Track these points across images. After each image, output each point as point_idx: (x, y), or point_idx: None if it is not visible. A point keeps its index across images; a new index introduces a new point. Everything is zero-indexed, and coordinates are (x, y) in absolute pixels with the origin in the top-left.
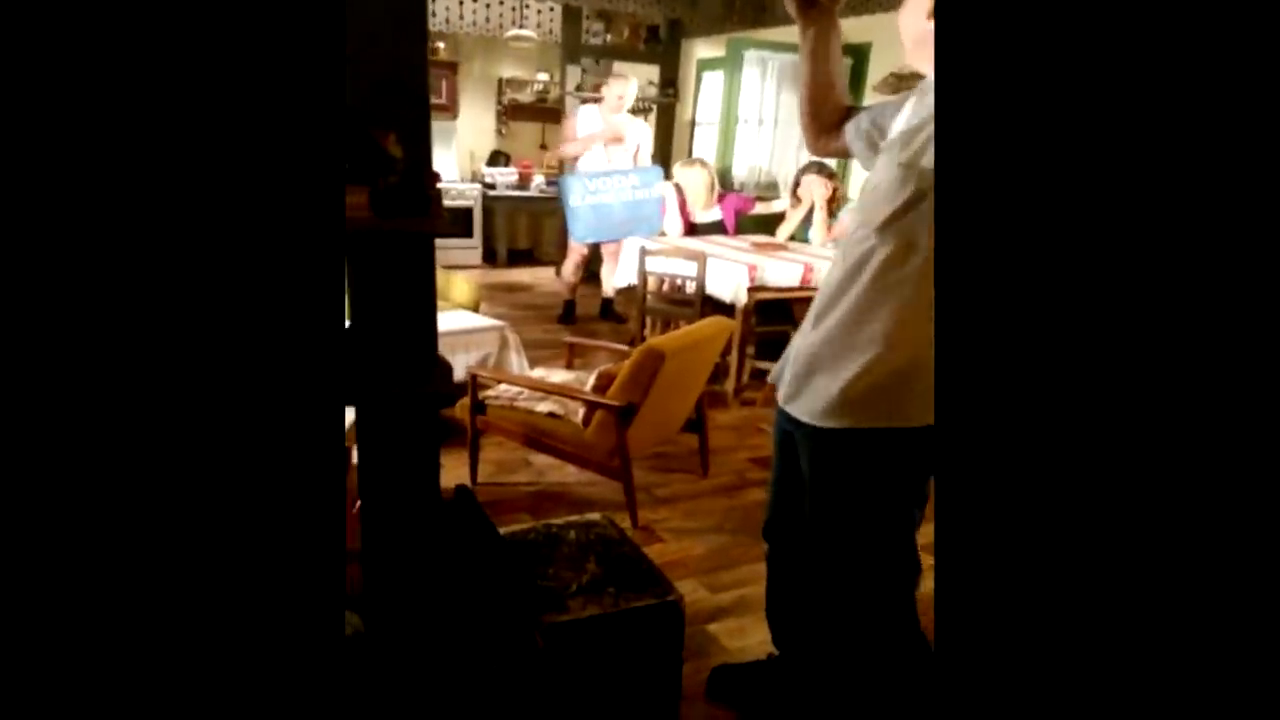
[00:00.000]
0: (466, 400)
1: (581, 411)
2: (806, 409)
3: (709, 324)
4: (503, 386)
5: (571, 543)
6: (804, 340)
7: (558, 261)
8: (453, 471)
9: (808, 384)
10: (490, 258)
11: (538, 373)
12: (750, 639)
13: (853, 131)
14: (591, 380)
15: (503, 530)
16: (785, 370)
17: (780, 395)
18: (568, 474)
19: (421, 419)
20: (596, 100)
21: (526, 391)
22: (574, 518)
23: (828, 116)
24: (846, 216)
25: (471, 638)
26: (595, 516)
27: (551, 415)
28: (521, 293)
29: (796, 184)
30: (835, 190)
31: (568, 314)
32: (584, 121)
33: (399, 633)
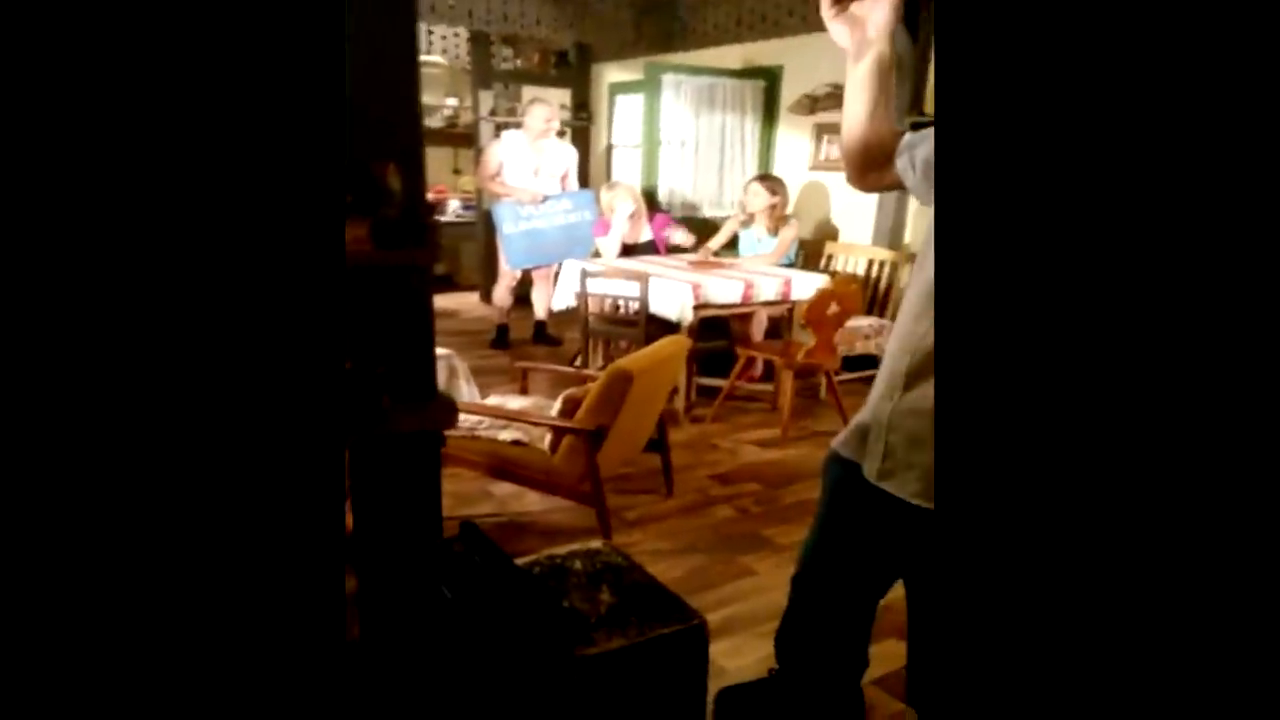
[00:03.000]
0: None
1: (549, 437)
2: (917, 489)
3: (668, 343)
4: (461, 416)
5: (580, 573)
6: (896, 405)
7: (480, 286)
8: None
9: (912, 456)
10: None
11: (493, 400)
12: (747, 657)
13: (905, 163)
14: (558, 405)
15: None
16: (874, 441)
17: (871, 470)
18: (530, 502)
19: (425, 453)
20: (516, 125)
21: (487, 420)
22: (575, 547)
23: (880, 151)
24: (790, 233)
25: (504, 676)
26: (597, 544)
27: (516, 443)
28: (448, 319)
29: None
30: (776, 203)
31: (501, 339)
32: (506, 149)
33: (409, 680)
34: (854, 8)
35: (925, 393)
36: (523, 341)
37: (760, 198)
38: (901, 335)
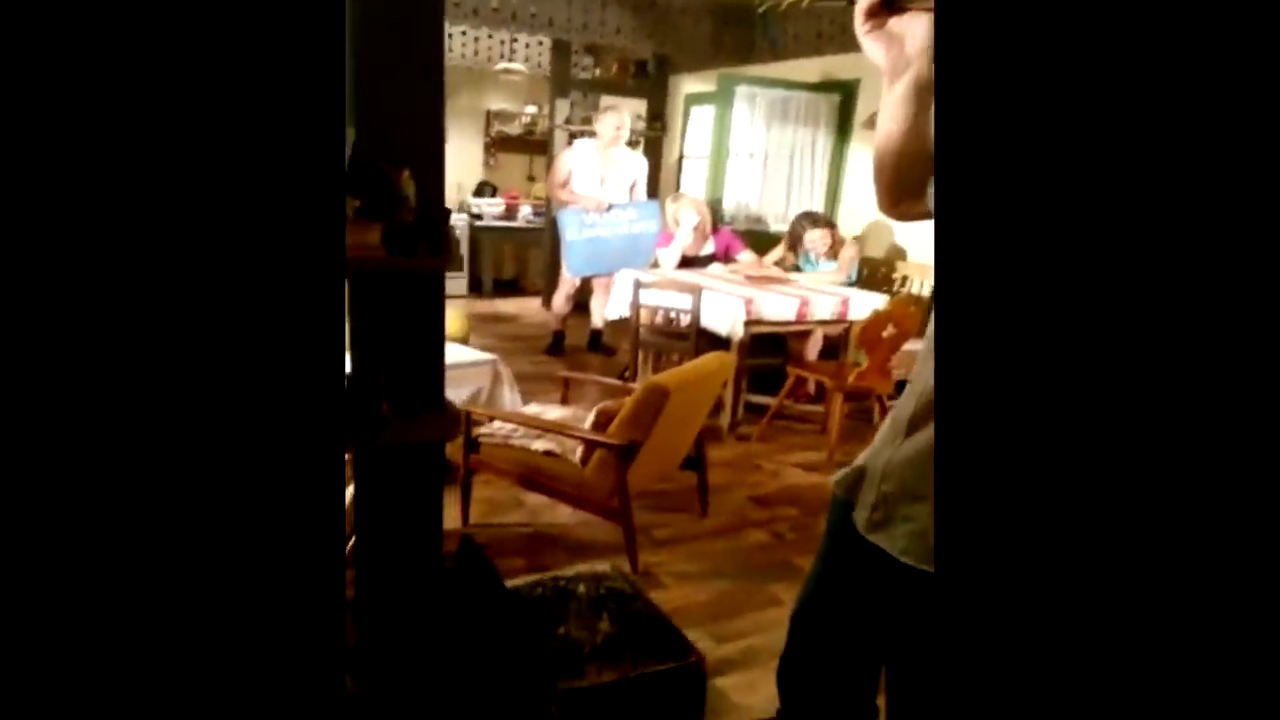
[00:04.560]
0: (459, 438)
1: (580, 450)
2: (907, 546)
3: (711, 359)
4: (496, 423)
5: (582, 598)
6: (894, 452)
7: (543, 291)
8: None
9: (906, 510)
10: (476, 287)
11: (532, 409)
12: (760, 694)
13: None
14: (591, 417)
15: (507, 583)
16: (867, 488)
17: (860, 520)
18: (561, 514)
19: (427, 463)
20: (590, 134)
21: (521, 429)
22: (582, 568)
23: (913, 178)
24: (850, 252)
25: (481, 704)
26: (605, 567)
27: (548, 453)
28: (508, 323)
29: (795, 238)
30: (834, 237)
31: (556, 345)
32: (576, 157)
33: (394, 695)
34: (891, 23)
35: (921, 441)
36: (578, 349)
37: (818, 240)
38: (914, 376)
